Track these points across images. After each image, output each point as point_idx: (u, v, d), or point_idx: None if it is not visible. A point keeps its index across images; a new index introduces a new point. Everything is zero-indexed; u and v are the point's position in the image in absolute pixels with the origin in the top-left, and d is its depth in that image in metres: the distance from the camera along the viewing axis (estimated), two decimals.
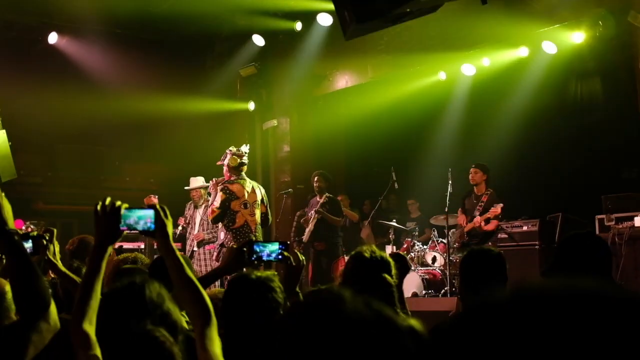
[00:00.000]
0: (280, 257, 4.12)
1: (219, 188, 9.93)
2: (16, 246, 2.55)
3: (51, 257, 4.25)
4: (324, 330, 1.32)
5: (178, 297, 3.16)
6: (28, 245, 3.94)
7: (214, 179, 10.17)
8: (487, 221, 10.91)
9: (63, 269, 4.42)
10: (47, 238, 4.18)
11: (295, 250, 4.26)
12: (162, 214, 3.26)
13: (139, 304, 2.97)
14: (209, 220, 10.42)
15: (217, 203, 9.83)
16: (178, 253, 3.22)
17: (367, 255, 4.10)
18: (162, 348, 2.67)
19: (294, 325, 1.38)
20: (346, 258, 12.16)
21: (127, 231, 3.42)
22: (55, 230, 4.28)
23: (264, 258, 4.09)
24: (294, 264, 4.14)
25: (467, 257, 4.34)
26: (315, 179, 12.16)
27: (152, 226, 3.28)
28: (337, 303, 1.36)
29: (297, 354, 1.32)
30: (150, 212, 3.29)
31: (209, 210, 10.02)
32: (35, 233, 4.12)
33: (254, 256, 4.05)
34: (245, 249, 4.01)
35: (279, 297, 3.67)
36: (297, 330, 1.35)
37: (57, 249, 4.34)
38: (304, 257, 4.24)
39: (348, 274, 4.16)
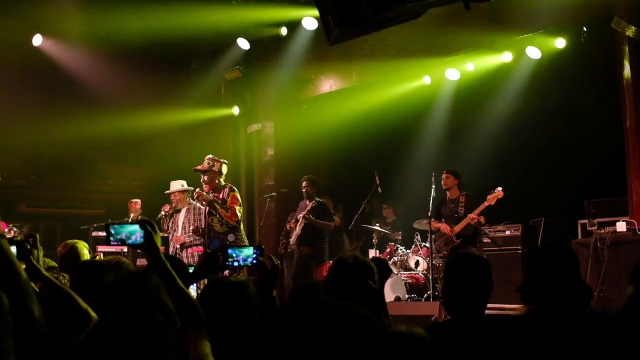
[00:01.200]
0: (255, 261, 4.12)
1: (226, 192, 10.40)
2: (2, 250, 2.57)
3: (34, 262, 4.22)
4: (306, 334, 1.33)
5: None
6: (12, 250, 3.93)
7: (198, 194, 10.55)
8: (463, 218, 11.01)
9: (46, 274, 4.38)
10: (30, 242, 4.16)
11: (271, 255, 4.24)
12: (149, 228, 3.44)
13: (139, 293, 3.17)
14: (227, 223, 10.52)
15: (236, 204, 10.50)
16: (168, 265, 3.37)
17: (349, 261, 4.09)
18: (162, 331, 2.78)
19: (277, 329, 1.40)
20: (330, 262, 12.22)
21: (117, 245, 3.67)
22: (38, 235, 4.24)
23: (240, 263, 4.08)
24: (269, 268, 4.13)
25: (452, 262, 4.34)
26: (304, 183, 12.21)
27: (142, 240, 3.46)
28: (319, 307, 1.38)
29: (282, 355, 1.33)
30: (138, 227, 3.49)
31: (229, 213, 10.42)
32: (19, 238, 4.12)
33: (229, 261, 4.05)
34: (219, 253, 4.01)
35: (255, 302, 3.69)
36: (281, 333, 1.37)
37: (41, 254, 4.31)
38: (279, 262, 4.23)
39: (331, 279, 4.16)
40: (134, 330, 2.77)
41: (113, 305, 3.21)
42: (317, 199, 12.16)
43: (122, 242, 3.58)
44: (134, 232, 3.54)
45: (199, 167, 10.78)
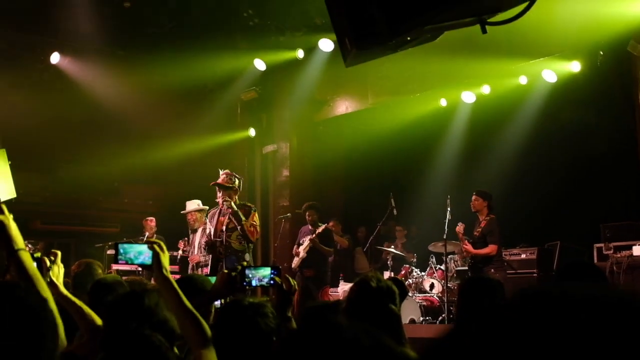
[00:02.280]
0: (272, 282, 4.11)
1: (246, 210, 10.25)
2: (23, 265, 2.62)
3: (54, 278, 4.25)
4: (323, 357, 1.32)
5: (178, 325, 3.31)
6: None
7: (223, 199, 10.32)
8: (479, 243, 10.79)
9: (64, 291, 4.41)
10: (52, 259, 4.20)
11: (287, 275, 4.22)
12: (157, 249, 3.49)
13: (138, 311, 3.18)
14: (245, 240, 10.40)
15: (256, 222, 10.30)
16: (175, 285, 3.41)
17: (373, 284, 4.06)
18: (157, 350, 2.79)
19: (292, 354, 1.38)
20: (341, 283, 12.23)
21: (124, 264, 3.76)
22: (59, 253, 4.27)
23: (255, 283, 4.08)
24: (285, 288, 4.12)
25: (465, 284, 4.32)
26: (307, 213, 12.31)
27: (150, 260, 3.52)
28: (336, 330, 1.36)
29: None
30: (147, 247, 3.55)
31: (251, 228, 10.22)
32: (39, 254, 4.15)
33: (245, 281, 4.04)
34: (234, 273, 4.00)
35: (272, 322, 3.68)
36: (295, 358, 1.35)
37: (61, 272, 4.34)
38: (295, 282, 4.22)
39: (352, 300, 4.13)
40: (134, 351, 2.80)
41: (113, 323, 3.24)
42: (324, 225, 12.23)
43: (130, 261, 3.69)
44: (142, 252, 3.61)
45: (218, 182, 10.49)
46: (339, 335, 1.31)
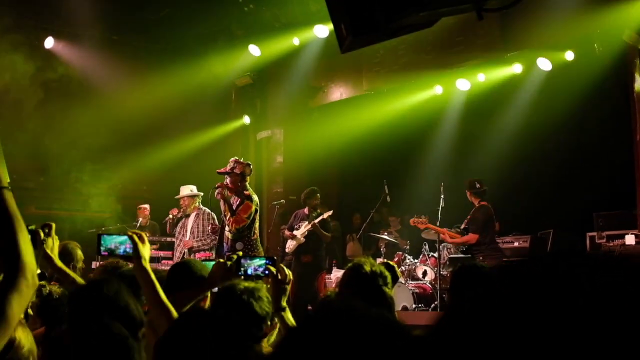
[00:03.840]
0: (266, 271, 4.13)
1: (231, 196, 10.11)
2: (5, 203, 2.57)
3: (48, 251, 4.26)
4: (339, 339, 1.32)
5: (153, 315, 3.45)
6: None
7: (219, 186, 10.21)
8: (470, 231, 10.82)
9: (59, 264, 4.43)
10: (46, 232, 4.20)
11: (282, 265, 4.24)
12: (137, 239, 3.65)
13: (96, 300, 3.16)
14: (232, 229, 10.23)
15: (245, 213, 9.96)
16: (152, 276, 3.60)
17: (366, 268, 4.07)
18: (115, 339, 2.91)
19: (308, 337, 1.38)
20: (334, 269, 12.24)
21: (107, 256, 3.85)
22: (54, 225, 4.26)
23: (250, 272, 4.10)
24: (280, 278, 4.14)
25: (457, 272, 4.33)
26: (313, 197, 12.19)
27: (131, 250, 3.69)
28: (351, 311, 1.37)
29: None
30: (128, 238, 3.70)
31: (233, 218, 10.06)
32: (33, 227, 4.15)
33: (241, 270, 4.06)
34: (229, 263, 4.02)
35: (267, 306, 3.72)
36: (312, 342, 1.35)
37: (57, 244, 4.34)
38: (290, 272, 4.24)
39: (345, 284, 4.14)
40: (94, 340, 2.90)
41: (73, 314, 3.27)
42: (321, 211, 12.20)
43: (111, 252, 3.79)
44: (123, 243, 3.74)
45: (221, 170, 10.48)
46: (354, 313, 1.32)
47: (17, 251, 2.39)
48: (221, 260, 4.09)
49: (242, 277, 4.08)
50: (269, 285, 4.12)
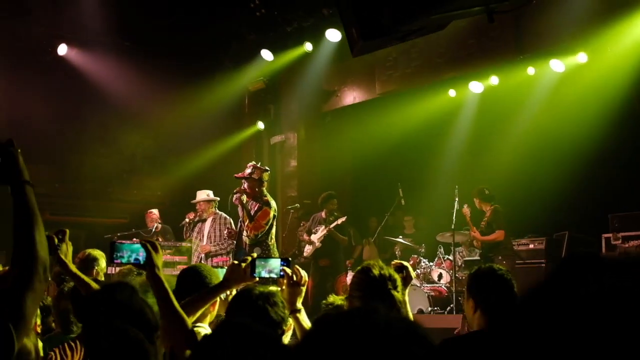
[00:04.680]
0: (282, 273, 4.12)
1: (260, 205, 10.05)
2: (25, 197, 2.64)
3: (62, 257, 4.28)
4: (358, 341, 1.33)
5: (165, 324, 3.44)
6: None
7: (238, 191, 10.18)
8: (487, 233, 10.85)
9: (74, 269, 4.46)
10: (60, 237, 4.23)
11: (297, 267, 4.23)
12: (150, 248, 3.64)
13: (109, 304, 3.20)
14: (250, 235, 10.20)
15: (263, 220, 9.93)
16: (166, 284, 3.58)
17: (375, 271, 4.06)
18: (132, 342, 2.89)
19: (325, 340, 1.39)
20: (349, 273, 12.23)
21: (120, 264, 3.88)
22: (68, 231, 4.29)
23: (265, 274, 4.09)
24: (295, 279, 4.14)
25: (474, 275, 4.31)
26: (329, 202, 12.24)
27: (144, 259, 3.67)
28: (371, 313, 1.37)
29: None
30: (141, 247, 3.69)
31: (252, 225, 10.02)
32: (47, 233, 4.19)
33: (255, 272, 4.05)
34: (244, 265, 4.01)
35: (282, 311, 3.72)
36: (329, 344, 1.36)
37: (70, 249, 4.37)
38: (305, 273, 4.23)
39: (354, 288, 4.13)
40: (111, 344, 2.88)
41: (87, 319, 3.31)
42: (337, 215, 12.22)
43: (124, 260, 3.79)
44: (136, 251, 3.73)
45: (239, 174, 10.47)
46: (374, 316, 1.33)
47: (32, 244, 2.44)
48: (235, 262, 4.10)
49: (257, 279, 4.08)
50: (284, 287, 4.13)
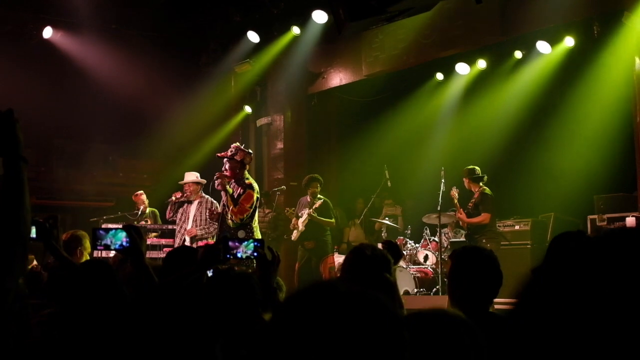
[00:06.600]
0: (255, 254, 4.15)
1: (233, 185, 9.92)
2: (20, 173, 2.60)
3: (53, 242, 4.31)
4: (322, 319, 1.33)
5: None
6: (32, 230, 4.05)
7: (219, 176, 10.00)
8: (473, 214, 10.83)
9: (64, 254, 4.48)
10: (50, 223, 4.25)
11: (269, 246, 4.26)
12: (134, 234, 3.67)
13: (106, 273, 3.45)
14: (235, 219, 10.01)
15: (247, 203, 9.79)
16: (150, 270, 3.66)
17: (367, 252, 4.07)
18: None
19: (290, 318, 1.39)
20: (335, 255, 12.25)
21: (102, 250, 3.89)
22: (58, 216, 4.32)
23: (239, 255, 4.12)
24: (269, 259, 4.16)
25: (457, 256, 4.29)
26: (312, 185, 12.17)
27: (127, 245, 3.70)
28: (332, 288, 1.38)
29: (297, 345, 1.33)
30: (124, 233, 3.70)
31: (236, 209, 9.87)
32: (37, 218, 4.23)
33: (231, 253, 4.08)
34: (219, 245, 4.03)
35: (259, 294, 3.74)
36: (295, 322, 1.36)
37: (61, 235, 4.42)
38: (278, 254, 4.26)
39: (347, 268, 4.14)
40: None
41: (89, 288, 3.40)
42: (323, 198, 12.19)
43: (107, 247, 3.78)
44: (120, 238, 3.72)
45: (222, 154, 10.30)
46: (336, 295, 1.33)
47: (17, 221, 2.42)
48: (210, 243, 4.13)
49: (232, 258, 4.13)
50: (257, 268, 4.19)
